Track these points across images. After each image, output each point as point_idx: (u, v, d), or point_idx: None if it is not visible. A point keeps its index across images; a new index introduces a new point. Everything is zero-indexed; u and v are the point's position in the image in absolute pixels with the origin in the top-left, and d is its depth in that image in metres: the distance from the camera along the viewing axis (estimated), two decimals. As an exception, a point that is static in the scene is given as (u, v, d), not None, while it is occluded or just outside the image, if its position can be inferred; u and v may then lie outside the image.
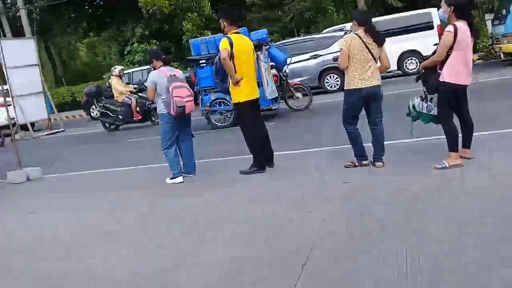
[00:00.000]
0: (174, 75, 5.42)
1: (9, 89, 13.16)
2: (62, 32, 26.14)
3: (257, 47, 8.92)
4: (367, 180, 4.48)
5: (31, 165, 7.50)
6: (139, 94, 11.93)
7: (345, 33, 12.57)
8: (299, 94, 10.44)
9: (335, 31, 14.70)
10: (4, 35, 19.84)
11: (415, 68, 13.70)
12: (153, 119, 11.70)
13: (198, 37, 20.40)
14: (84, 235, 4.18)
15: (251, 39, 8.89)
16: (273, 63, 9.65)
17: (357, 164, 4.90)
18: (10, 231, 4.69)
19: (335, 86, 13.15)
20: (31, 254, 3.86)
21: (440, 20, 14.95)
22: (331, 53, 12.64)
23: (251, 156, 5.37)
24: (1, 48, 13.21)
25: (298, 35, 17.52)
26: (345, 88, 4.82)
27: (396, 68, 13.95)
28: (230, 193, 4.80)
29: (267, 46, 9.40)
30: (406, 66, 14.25)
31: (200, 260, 3.19)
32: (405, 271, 2.57)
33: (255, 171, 5.30)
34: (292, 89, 10.35)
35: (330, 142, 6.14)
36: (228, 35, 5.12)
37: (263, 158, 5.36)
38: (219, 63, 5.24)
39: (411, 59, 14.14)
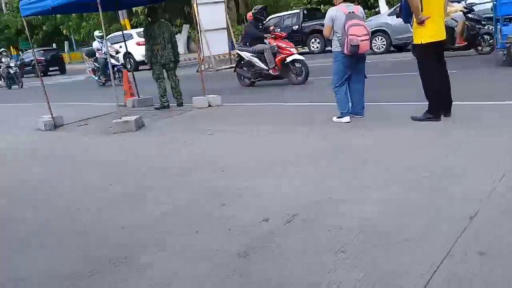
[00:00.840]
0: (353, 12, 5.24)
1: (198, 23, 14.41)
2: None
3: None
4: None
5: (212, 93, 8.27)
6: (469, 15, 9.96)
7: None
8: None
9: None
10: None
11: None
12: (480, 48, 10.14)
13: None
14: (251, 159, 4.49)
15: None
16: None
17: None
18: (196, 148, 5.33)
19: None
20: (208, 169, 4.36)
21: None
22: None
23: (427, 103, 5.03)
24: (194, -15, 14.38)
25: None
26: None
27: None
28: (398, 137, 4.60)
29: None
30: None
31: (360, 196, 3.19)
32: None
33: (428, 118, 4.96)
34: None
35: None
36: (417, -32, 4.70)
37: (440, 106, 4.98)
38: (404, 1, 4.89)
39: None
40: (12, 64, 19.30)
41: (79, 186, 4.35)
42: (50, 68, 26.10)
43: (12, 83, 18.75)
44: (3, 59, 19.45)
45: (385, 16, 14.23)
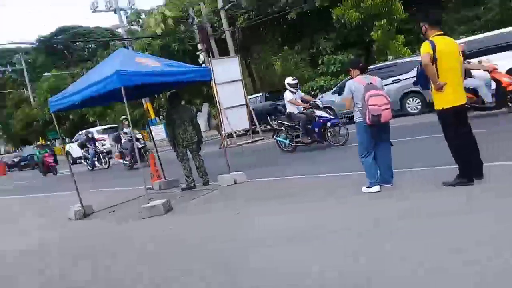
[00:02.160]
0: (371, 83, 5.38)
1: (218, 102, 14.90)
2: (260, 49, 28.48)
3: None
4: None
5: (237, 170, 8.34)
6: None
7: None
8: None
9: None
10: (213, 55, 22.57)
11: None
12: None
13: (387, 43, 19.85)
14: (284, 239, 4.41)
15: None
16: None
17: None
18: (220, 229, 5.30)
19: (416, 109, 13.89)
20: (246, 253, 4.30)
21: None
22: (412, 77, 11.91)
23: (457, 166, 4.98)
24: (212, 67, 15.06)
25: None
26: None
27: None
28: (431, 205, 4.49)
29: None
30: None
31: (399, 275, 3.07)
32: None
33: (460, 182, 4.88)
34: None
35: None
36: (430, 39, 4.87)
37: (470, 169, 4.90)
38: (420, 69, 5.01)
39: None
40: (139, 137, 14.86)
41: (120, 277, 4.31)
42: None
43: (134, 161, 14.65)
44: (125, 129, 15.35)
45: (330, 95, 16.01)
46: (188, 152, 8.43)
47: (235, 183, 7.98)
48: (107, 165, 17.83)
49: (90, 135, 19.16)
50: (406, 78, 13.72)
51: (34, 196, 12.78)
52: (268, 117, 18.81)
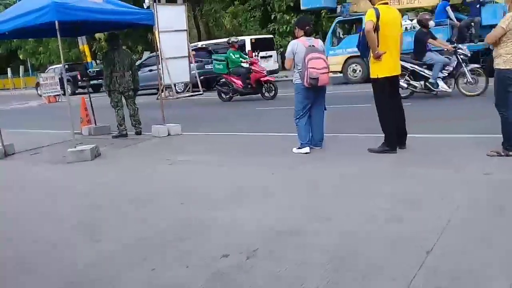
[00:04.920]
0: (313, 45, 5.37)
1: (160, 51, 14.33)
2: (210, 1, 27.51)
3: None
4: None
5: (172, 122, 8.17)
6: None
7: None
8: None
9: None
10: (159, 1, 21.52)
11: None
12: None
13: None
14: (210, 191, 4.41)
15: None
16: None
17: (502, 153, 4.47)
18: (153, 178, 5.21)
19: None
20: (166, 200, 4.25)
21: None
22: None
23: (383, 135, 5.16)
24: (156, 12, 14.34)
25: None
26: (499, 68, 4.42)
27: None
28: (355, 169, 4.66)
29: None
30: None
31: (319, 229, 3.18)
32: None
33: (384, 150, 5.09)
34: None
35: (480, 129, 5.64)
36: (375, 6, 4.90)
37: (395, 139, 5.12)
38: (362, 36, 5.06)
39: None
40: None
41: (32, 218, 4.13)
42: None
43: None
44: None
45: None
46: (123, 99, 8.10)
47: (169, 134, 7.84)
48: None
49: None
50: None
51: None
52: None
